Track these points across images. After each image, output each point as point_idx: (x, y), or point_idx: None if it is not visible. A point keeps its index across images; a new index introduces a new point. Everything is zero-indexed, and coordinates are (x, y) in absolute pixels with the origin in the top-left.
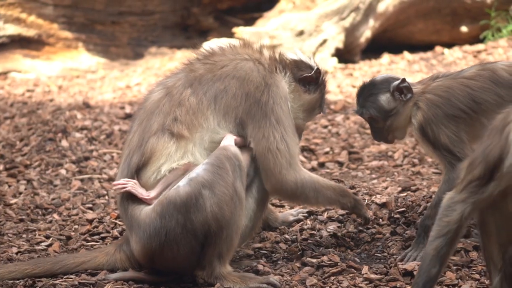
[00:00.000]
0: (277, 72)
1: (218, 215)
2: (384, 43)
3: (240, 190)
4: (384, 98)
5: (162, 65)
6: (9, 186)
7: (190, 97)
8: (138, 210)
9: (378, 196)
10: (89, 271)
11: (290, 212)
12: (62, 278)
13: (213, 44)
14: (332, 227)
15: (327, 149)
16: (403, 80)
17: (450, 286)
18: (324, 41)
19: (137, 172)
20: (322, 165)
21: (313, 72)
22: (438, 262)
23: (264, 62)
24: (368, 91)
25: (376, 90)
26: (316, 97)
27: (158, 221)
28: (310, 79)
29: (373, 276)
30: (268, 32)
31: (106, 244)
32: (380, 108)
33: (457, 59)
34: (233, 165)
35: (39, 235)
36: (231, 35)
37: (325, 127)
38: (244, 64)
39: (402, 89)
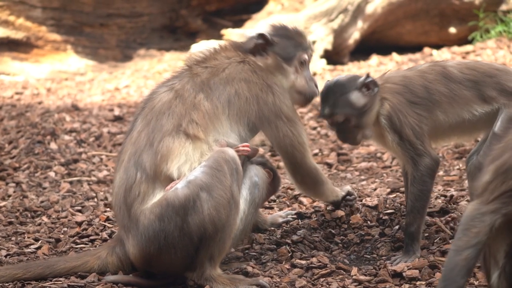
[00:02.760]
0: (260, 63)
1: (215, 218)
2: (373, 44)
3: (237, 194)
4: (355, 96)
5: (151, 67)
6: None
7: (205, 102)
8: (139, 209)
9: (367, 198)
10: (79, 273)
11: (279, 214)
12: (51, 280)
13: (200, 47)
14: (321, 228)
15: (316, 151)
16: (368, 75)
17: None
18: (313, 43)
19: (154, 171)
20: None
21: (255, 37)
22: (467, 272)
23: (253, 60)
24: (337, 92)
25: (345, 89)
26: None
27: (157, 224)
28: (261, 46)
29: (362, 277)
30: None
31: (95, 246)
32: (354, 106)
33: None
34: (231, 169)
35: (28, 237)
36: (219, 37)
37: (314, 128)
38: (242, 67)
39: (369, 84)
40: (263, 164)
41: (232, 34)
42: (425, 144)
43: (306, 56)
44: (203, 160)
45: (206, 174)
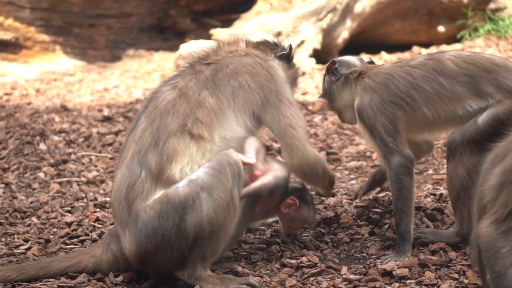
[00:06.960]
0: (269, 58)
1: (213, 219)
2: (362, 43)
3: (236, 197)
4: (326, 79)
5: (140, 67)
6: None
7: (209, 98)
8: (141, 206)
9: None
10: (69, 273)
11: None
12: (41, 281)
13: (193, 46)
14: (311, 227)
15: None
16: (333, 62)
17: (429, 286)
18: (302, 42)
19: (159, 171)
20: None
21: (288, 49)
22: None
23: (256, 53)
24: None
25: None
26: (295, 70)
27: (156, 220)
28: (285, 56)
29: (352, 276)
30: (246, 34)
31: (85, 247)
32: (324, 89)
33: None
34: (233, 172)
35: (18, 238)
36: (208, 36)
37: None
38: (246, 60)
39: (333, 70)
40: (298, 190)
41: (221, 34)
42: (397, 142)
43: None
44: (204, 160)
45: (208, 174)
